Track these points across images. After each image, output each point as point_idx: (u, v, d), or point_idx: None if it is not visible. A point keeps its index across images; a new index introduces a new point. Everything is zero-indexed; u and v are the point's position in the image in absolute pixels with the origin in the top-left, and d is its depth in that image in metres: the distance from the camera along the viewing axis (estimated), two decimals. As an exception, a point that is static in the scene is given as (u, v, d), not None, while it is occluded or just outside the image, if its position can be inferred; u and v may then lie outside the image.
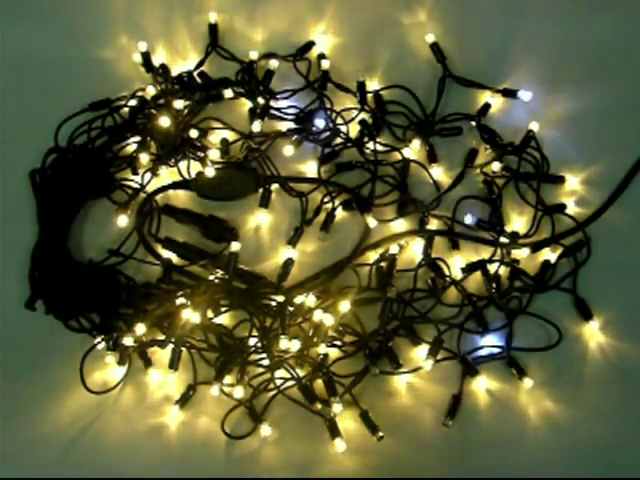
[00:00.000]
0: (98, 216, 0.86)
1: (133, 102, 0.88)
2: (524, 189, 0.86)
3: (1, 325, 0.82)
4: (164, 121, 0.85)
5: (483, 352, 0.81)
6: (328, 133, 0.87)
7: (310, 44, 0.92)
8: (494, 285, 0.82)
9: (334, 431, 0.76)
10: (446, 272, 0.83)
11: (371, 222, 0.83)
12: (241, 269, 0.82)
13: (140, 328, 0.77)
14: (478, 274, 0.83)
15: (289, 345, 0.77)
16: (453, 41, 0.92)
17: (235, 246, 0.81)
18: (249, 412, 0.78)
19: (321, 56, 0.90)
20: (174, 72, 0.91)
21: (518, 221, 0.85)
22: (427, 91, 0.90)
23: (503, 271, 0.83)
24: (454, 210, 0.85)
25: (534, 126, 0.87)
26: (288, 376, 0.78)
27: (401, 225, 0.85)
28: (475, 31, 0.93)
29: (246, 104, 0.90)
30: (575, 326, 0.82)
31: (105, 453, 0.78)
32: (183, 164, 0.86)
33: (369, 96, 0.89)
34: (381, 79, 0.91)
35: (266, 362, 0.79)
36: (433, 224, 0.85)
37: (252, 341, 0.80)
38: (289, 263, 0.82)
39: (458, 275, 0.83)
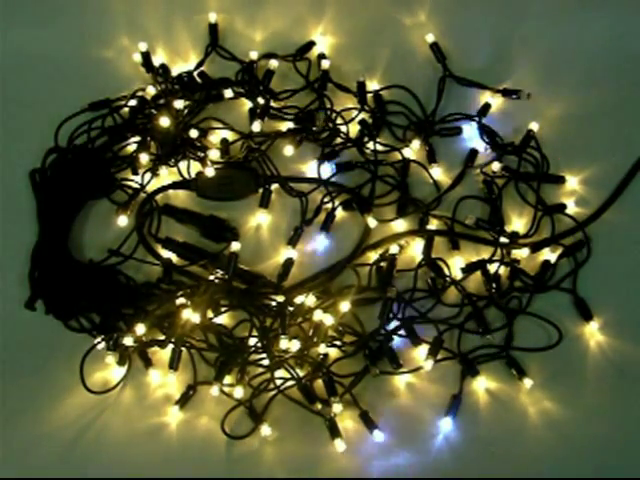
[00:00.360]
0: (98, 216, 0.86)
1: (133, 102, 0.88)
2: (524, 189, 0.86)
3: (1, 325, 0.82)
4: (164, 121, 0.85)
5: (483, 352, 0.81)
6: (328, 133, 0.87)
7: (310, 44, 0.92)
8: (494, 285, 0.82)
9: (334, 431, 0.76)
10: (446, 272, 0.83)
11: (371, 222, 0.83)
12: (241, 269, 0.82)
13: (140, 328, 0.77)
14: (478, 274, 0.83)
15: (289, 345, 0.77)
16: (453, 41, 0.92)
17: (235, 246, 0.81)
18: (249, 412, 0.78)
19: (321, 56, 0.90)
20: (174, 72, 0.91)
21: (518, 221, 0.85)
22: (427, 91, 0.90)
23: (503, 271, 0.83)
24: (454, 210, 0.85)
25: (534, 126, 0.87)
26: (288, 376, 0.78)
27: (401, 225, 0.85)
28: (475, 31, 0.93)
29: (246, 104, 0.90)
30: (575, 326, 0.82)
31: (105, 453, 0.78)
32: (183, 164, 0.86)
33: (369, 96, 0.89)
34: (381, 79, 0.91)
35: (266, 362, 0.79)
36: (433, 224, 0.85)
37: (252, 341, 0.80)
38: (289, 263, 0.82)
39: (458, 275, 0.83)
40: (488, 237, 0.84)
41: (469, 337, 0.81)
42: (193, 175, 0.86)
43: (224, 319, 0.81)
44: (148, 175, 0.86)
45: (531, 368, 0.80)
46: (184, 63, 0.92)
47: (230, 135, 0.88)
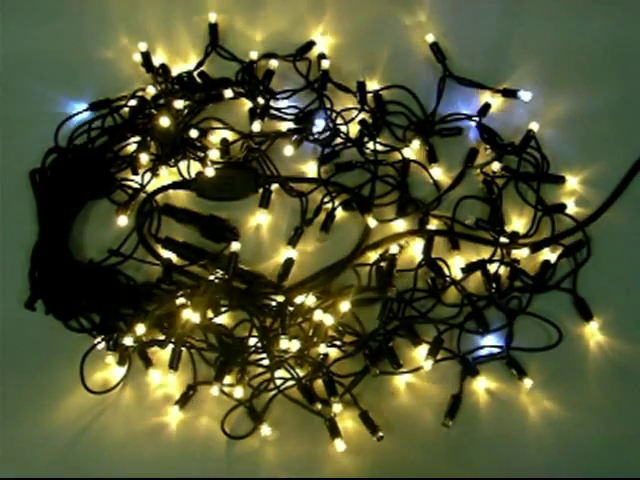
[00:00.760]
0: (98, 216, 0.86)
1: (133, 102, 0.88)
2: (524, 189, 0.86)
3: (1, 325, 0.82)
4: (164, 121, 0.85)
5: (483, 352, 0.81)
6: (328, 133, 0.87)
7: (310, 44, 0.92)
8: (494, 285, 0.82)
9: (334, 431, 0.76)
10: (446, 272, 0.83)
11: (371, 222, 0.83)
12: (241, 269, 0.82)
13: (140, 328, 0.77)
14: (478, 274, 0.83)
15: (289, 345, 0.77)
16: (453, 41, 0.92)
17: (235, 246, 0.81)
18: (249, 412, 0.78)
19: (321, 56, 0.90)
20: (174, 72, 0.91)
21: (518, 221, 0.85)
22: (427, 91, 0.90)
23: (503, 271, 0.83)
24: (454, 210, 0.85)
25: (534, 126, 0.87)
26: (288, 376, 0.78)
27: (401, 225, 0.85)
28: (475, 31, 0.93)
29: (246, 104, 0.90)
30: (575, 326, 0.82)
31: (105, 453, 0.78)
32: (183, 164, 0.86)
33: (369, 96, 0.89)
34: (381, 79, 0.91)
35: (266, 362, 0.79)
36: (433, 224, 0.85)
37: (252, 341, 0.80)
38: (289, 263, 0.82)
39: (458, 275, 0.83)
40: (488, 237, 0.84)
41: (469, 337, 0.81)
42: (193, 175, 0.86)
43: (224, 319, 0.81)
44: (148, 175, 0.86)
45: (531, 368, 0.80)
46: (184, 63, 0.92)
47: (230, 135, 0.88)
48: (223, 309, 0.81)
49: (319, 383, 0.78)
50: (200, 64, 0.91)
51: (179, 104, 0.86)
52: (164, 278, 0.82)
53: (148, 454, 0.78)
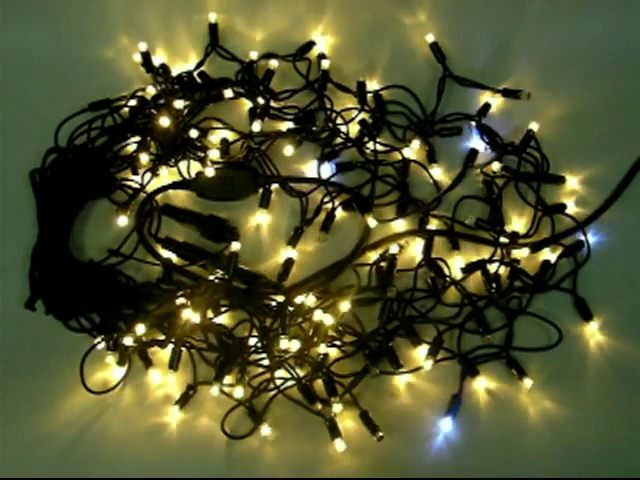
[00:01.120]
0: (98, 216, 0.86)
1: (133, 102, 0.88)
2: (524, 189, 0.86)
3: (1, 325, 0.82)
4: (164, 121, 0.85)
5: (483, 352, 0.81)
6: (328, 133, 0.87)
7: (310, 44, 0.92)
8: (494, 285, 0.82)
9: (334, 431, 0.76)
10: (446, 272, 0.83)
11: (371, 222, 0.83)
12: (241, 269, 0.82)
13: (140, 328, 0.77)
14: (478, 274, 0.83)
15: (289, 345, 0.77)
16: (453, 41, 0.92)
17: (235, 246, 0.81)
18: (249, 412, 0.78)
19: (321, 56, 0.90)
20: (174, 72, 0.91)
21: (518, 221, 0.85)
22: (427, 91, 0.90)
23: (503, 271, 0.83)
24: (454, 210, 0.85)
25: (534, 126, 0.87)
26: (288, 376, 0.78)
27: (401, 225, 0.85)
28: (475, 31, 0.93)
29: (246, 104, 0.90)
30: (575, 326, 0.82)
31: (105, 453, 0.78)
32: (183, 164, 0.86)
33: (369, 96, 0.89)
34: (381, 79, 0.91)
35: (266, 362, 0.79)
36: (433, 224, 0.85)
37: (252, 341, 0.80)
38: (289, 263, 0.82)
39: (458, 275, 0.83)
40: (488, 237, 0.84)
41: (469, 337, 0.81)
42: (193, 175, 0.86)
43: (224, 319, 0.81)
44: (148, 175, 0.86)
45: (531, 368, 0.80)
46: (184, 63, 0.92)
47: (230, 135, 0.88)
48: (223, 309, 0.81)
49: (319, 383, 0.78)
50: (200, 64, 0.91)
51: (179, 104, 0.86)
52: (164, 278, 0.82)
53: (148, 454, 0.78)
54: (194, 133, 0.86)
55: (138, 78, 0.91)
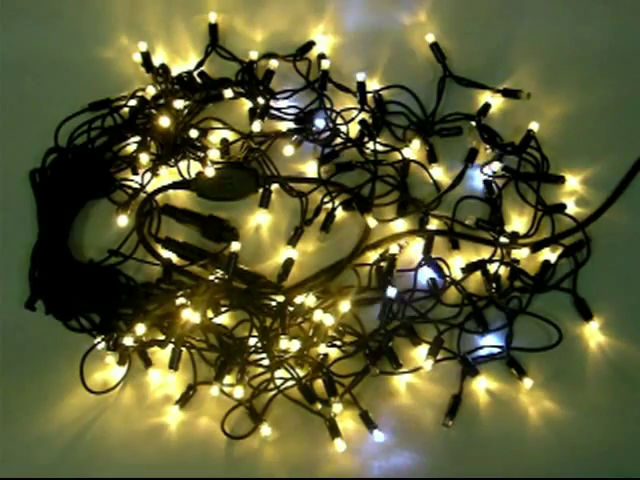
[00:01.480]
0: (98, 216, 0.86)
1: (133, 102, 0.88)
2: (524, 189, 0.86)
3: (1, 325, 0.82)
4: (164, 121, 0.85)
5: (483, 352, 0.81)
6: (328, 133, 0.87)
7: (310, 44, 0.92)
8: (494, 285, 0.82)
9: (334, 431, 0.76)
10: (446, 272, 0.83)
11: (371, 222, 0.83)
12: (241, 269, 0.82)
13: (140, 328, 0.77)
14: (478, 274, 0.83)
15: (289, 345, 0.77)
16: (453, 41, 0.92)
17: (235, 246, 0.81)
18: (249, 412, 0.78)
19: (321, 56, 0.90)
20: (174, 72, 0.91)
21: (518, 221, 0.85)
22: (427, 91, 0.90)
23: (503, 271, 0.83)
24: (454, 210, 0.85)
25: (534, 126, 0.87)
26: (288, 376, 0.78)
27: (401, 225, 0.85)
28: (475, 31, 0.93)
29: (246, 104, 0.90)
30: (575, 326, 0.82)
31: (105, 453, 0.78)
32: (183, 164, 0.86)
33: (369, 96, 0.89)
34: (381, 79, 0.91)
35: (266, 362, 0.79)
36: (433, 224, 0.85)
37: (252, 341, 0.80)
38: (289, 263, 0.82)
39: (458, 275, 0.83)
40: (488, 237, 0.84)
41: (469, 337, 0.81)
42: (193, 175, 0.86)
43: (224, 319, 0.81)
44: (148, 175, 0.86)
45: (531, 368, 0.80)
46: (184, 63, 0.92)
47: (230, 135, 0.88)
48: (223, 309, 0.81)
49: (319, 383, 0.78)
50: (200, 64, 0.91)
51: (179, 104, 0.86)
52: (164, 278, 0.82)
53: (148, 454, 0.78)
54: (194, 133, 0.86)
55: (138, 78, 0.91)
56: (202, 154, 0.86)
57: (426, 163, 0.87)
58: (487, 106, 0.89)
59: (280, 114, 0.89)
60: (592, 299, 0.82)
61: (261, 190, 0.85)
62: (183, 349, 0.79)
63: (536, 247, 0.83)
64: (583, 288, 0.83)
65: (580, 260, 0.84)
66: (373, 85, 0.90)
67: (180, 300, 0.79)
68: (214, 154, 0.85)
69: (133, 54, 0.91)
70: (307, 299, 0.79)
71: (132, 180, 0.86)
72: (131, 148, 0.87)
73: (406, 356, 0.80)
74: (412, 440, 0.78)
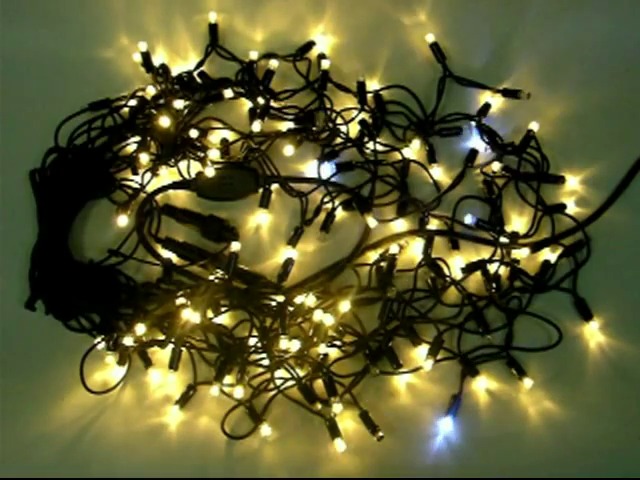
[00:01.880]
0: (98, 216, 0.86)
1: (133, 102, 0.88)
2: (524, 189, 0.86)
3: (1, 325, 0.82)
4: (164, 121, 0.85)
5: (483, 352, 0.81)
6: (328, 133, 0.87)
7: (310, 44, 0.92)
8: (494, 285, 0.82)
9: (334, 431, 0.76)
10: (446, 272, 0.83)
11: (371, 222, 0.83)
12: (241, 269, 0.82)
13: (140, 328, 0.77)
14: (478, 274, 0.83)
15: (289, 345, 0.77)
16: (453, 41, 0.92)
17: (235, 246, 0.81)
18: (249, 412, 0.78)
19: (321, 56, 0.90)
20: (174, 72, 0.91)
21: (518, 221, 0.85)
22: (427, 91, 0.90)
23: (503, 271, 0.83)
24: (454, 210, 0.85)
25: (534, 126, 0.87)
26: (288, 376, 0.78)
27: (401, 225, 0.85)
28: (475, 31, 0.93)
29: (246, 104, 0.90)
30: (575, 326, 0.82)
31: (105, 453, 0.78)
32: (183, 164, 0.86)
33: (369, 96, 0.89)
34: (381, 79, 0.91)
35: (266, 362, 0.79)
36: (433, 224, 0.85)
37: (252, 341, 0.80)
38: (289, 263, 0.82)
39: (458, 275, 0.83)
40: (488, 237, 0.84)
41: (469, 337, 0.81)
42: (193, 175, 0.86)
43: (224, 319, 0.81)
44: (148, 175, 0.86)
45: (531, 368, 0.80)
46: (184, 63, 0.92)
47: (230, 135, 0.88)
48: (223, 309, 0.81)
49: (319, 383, 0.78)
50: (200, 64, 0.91)
51: (179, 104, 0.86)
52: (164, 278, 0.82)
53: (148, 454, 0.78)
54: (194, 133, 0.86)
55: (138, 78, 0.91)
56: (202, 154, 0.86)
57: (426, 163, 0.87)
58: (487, 106, 0.89)
59: (280, 114, 0.89)
60: (592, 299, 0.82)
61: (261, 190, 0.85)
62: (183, 349, 0.79)
63: (536, 247, 0.83)
64: (583, 288, 0.83)
65: (580, 260, 0.84)
66: (373, 85, 0.90)
67: (180, 300, 0.79)
68: (214, 154, 0.85)
69: (133, 54, 0.91)
70: (307, 299, 0.79)
71: (132, 180, 0.86)
72: (131, 148, 0.87)
73: (406, 356, 0.80)
74: (412, 440, 0.78)
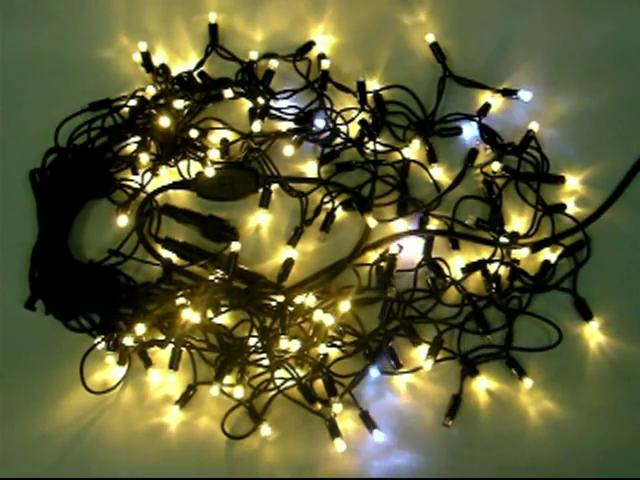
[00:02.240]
0: (98, 216, 0.86)
1: (133, 102, 0.88)
2: (524, 189, 0.86)
3: (1, 325, 0.82)
4: (164, 121, 0.85)
5: (483, 352, 0.81)
6: (328, 133, 0.87)
7: (310, 44, 0.92)
8: (494, 285, 0.82)
9: (334, 431, 0.76)
10: (446, 272, 0.83)
11: (371, 222, 0.83)
12: (241, 269, 0.82)
13: (140, 328, 0.77)
14: (478, 274, 0.83)
15: (289, 345, 0.77)
16: (453, 41, 0.92)
17: (235, 246, 0.81)
18: (249, 412, 0.78)
19: (321, 56, 0.90)
20: (174, 72, 0.91)
21: (518, 221, 0.85)
22: (427, 91, 0.90)
23: (503, 271, 0.83)
24: (454, 210, 0.85)
25: (534, 126, 0.87)
26: (288, 376, 0.78)
27: (401, 225, 0.85)
28: (475, 31, 0.93)
29: (246, 104, 0.90)
30: (575, 326, 0.82)
31: (105, 453, 0.78)
32: (183, 164, 0.86)
33: (369, 96, 0.89)
34: (381, 79, 0.91)
35: (266, 362, 0.79)
36: (433, 224, 0.85)
37: (252, 341, 0.80)
38: (289, 263, 0.82)
39: (458, 275, 0.83)
40: (488, 237, 0.84)
41: (469, 337, 0.81)
42: (193, 175, 0.86)
43: (224, 319, 0.81)
44: (148, 175, 0.86)
45: (531, 368, 0.80)
46: (184, 63, 0.92)
47: (230, 135, 0.88)
48: (223, 309, 0.81)
49: (319, 383, 0.78)
50: (200, 64, 0.91)
51: (179, 104, 0.86)
52: (164, 278, 0.82)
53: (148, 454, 0.78)
54: (194, 133, 0.86)
55: (138, 78, 0.91)
56: (202, 154, 0.86)
57: (426, 163, 0.87)
58: (487, 106, 0.89)
59: (280, 114, 0.89)
60: (592, 299, 0.82)
61: (261, 190, 0.85)
62: (183, 349, 0.79)
63: (536, 247, 0.83)
64: (583, 288, 0.83)
65: (580, 260, 0.84)
66: (373, 85, 0.90)
67: (180, 300, 0.79)
68: (214, 154, 0.85)
69: (133, 54, 0.91)
70: (307, 299, 0.79)
71: (132, 180, 0.86)
72: (131, 148, 0.87)
73: (406, 356, 0.80)
74: (412, 440, 0.78)
